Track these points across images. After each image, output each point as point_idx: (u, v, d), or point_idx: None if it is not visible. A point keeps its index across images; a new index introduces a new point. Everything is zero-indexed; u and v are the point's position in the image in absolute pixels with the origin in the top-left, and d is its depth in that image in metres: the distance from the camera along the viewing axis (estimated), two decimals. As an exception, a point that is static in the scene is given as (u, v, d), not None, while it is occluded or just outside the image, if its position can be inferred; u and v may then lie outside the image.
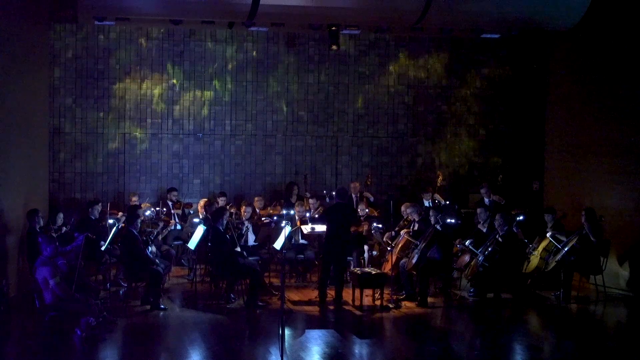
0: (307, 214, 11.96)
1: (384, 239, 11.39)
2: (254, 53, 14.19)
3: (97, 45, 13.68)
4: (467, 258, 11.10)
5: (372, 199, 13.17)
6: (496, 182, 13.34)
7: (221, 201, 12.56)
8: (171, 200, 12.92)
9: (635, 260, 11.49)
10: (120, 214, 11.82)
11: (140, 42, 13.81)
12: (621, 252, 11.63)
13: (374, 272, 10.43)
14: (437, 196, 13.19)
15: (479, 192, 12.90)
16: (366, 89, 14.55)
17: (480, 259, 10.69)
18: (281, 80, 14.29)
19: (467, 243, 10.96)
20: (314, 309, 10.26)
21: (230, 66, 14.11)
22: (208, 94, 14.08)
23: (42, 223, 10.47)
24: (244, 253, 10.64)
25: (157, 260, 10.36)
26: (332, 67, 14.43)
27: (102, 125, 13.75)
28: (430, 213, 10.92)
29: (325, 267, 10.46)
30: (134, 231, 10.15)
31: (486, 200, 12.57)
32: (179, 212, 12.76)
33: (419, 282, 10.53)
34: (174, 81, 13.94)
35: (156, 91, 13.90)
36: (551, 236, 11.16)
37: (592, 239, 10.87)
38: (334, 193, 11.28)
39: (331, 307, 10.33)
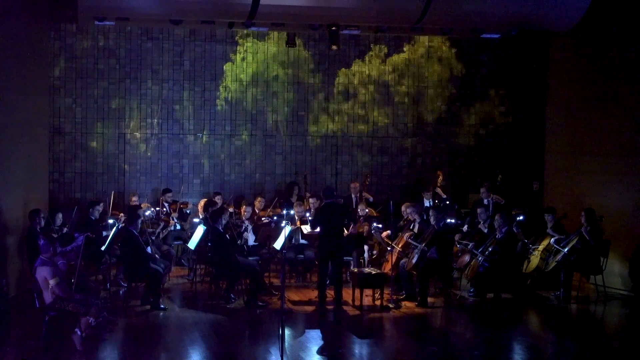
0: (307, 214, 11.96)
1: (383, 236, 11.35)
2: (254, 53, 14.19)
3: (97, 45, 13.68)
4: (467, 258, 11.10)
5: (371, 199, 13.17)
6: (496, 182, 13.34)
7: (217, 200, 12.54)
8: (167, 202, 12.89)
9: (635, 260, 11.49)
10: (122, 215, 11.82)
11: (140, 42, 13.81)
12: (621, 252, 11.63)
13: (374, 272, 10.43)
14: (438, 190, 13.20)
15: (479, 192, 12.89)
16: (366, 89, 14.54)
17: (480, 259, 10.69)
18: (281, 80, 14.29)
19: (469, 247, 10.95)
20: (313, 309, 10.25)
21: (230, 66, 14.11)
22: (208, 93, 14.08)
23: (42, 223, 10.46)
24: (244, 248, 10.65)
25: (157, 261, 10.36)
26: (332, 67, 14.43)
27: (102, 125, 13.75)
28: (431, 212, 10.93)
29: (323, 267, 10.44)
30: (134, 231, 10.15)
31: (485, 200, 12.57)
32: (176, 214, 12.71)
33: (419, 282, 10.53)
34: (174, 82, 13.94)
35: (156, 91, 13.90)
36: (554, 242, 11.14)
37: (590, 240, 10.86)
38: (321, 194, 11.19)
39: (331, 307, 10.32)
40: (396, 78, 14.58)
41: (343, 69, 14.44)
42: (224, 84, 14.09)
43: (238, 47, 14.11)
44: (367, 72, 14.51)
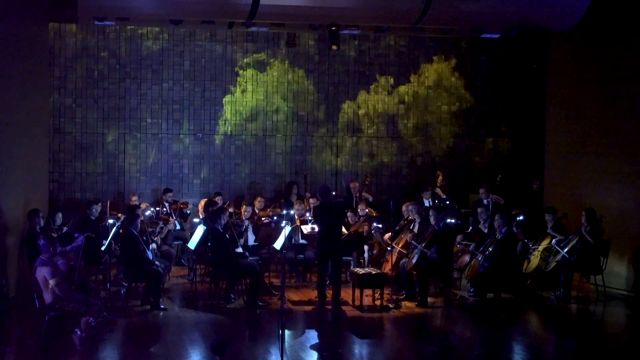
0: (307, 214, 11.96)
1: (385, 238, 11.35)
2: (254, 53, 14.19)
3: (97, 45, 13.68)
4: (467, 258, 11.10)
5: (370, 199, 13.18)
6: (495, 182, 13.34)
7: (217, 200, 12.54)
8: (167, 202, 12.90)
9: (635, 260, 11.49)
10: (121, 215, 11.82)
11: (140, 42, 13.81)
12: (621, 252, 11.63)
13: (374, 272, 10.43)
14: (438, 190, 13.19)
15: (479, 192, 12.89)
16: (366, 89, 14.55)
17: (480, 259, 10.69)
18: (281, 80, 14.30)
19: (470, 247, 10.94)
20: (313, 309, 10.25)
21: (229, 66, 14.11)
22: (208, 93, 14.09)
23: (42, 223, 10.46)
24: (246, 253, 10.64)
25: (156, 262, 10.35)
26: (332, 67, 14.43)
27: (102, 125, 13.75)
28: (431, 212, 10.92)
29: (322, 267, 10.43)
30: (134, 231, 10.15)
31: (485, 200, 12.58)
32: (176, 214, 12.71)
33: (419, 282, 10.53)
34: (174, 82, 13.94)
35: (156, 91, 13.90)
36: (555, 243, 11.14)
37: (590, 240, 10.86)
38: (317, 194, 11.23)
39: (331, 307, 10.31)
40: (397, 78, 14.56)
41: (343, 69, 14.43)
42: (224, 83, 14.08)
43: (238, 47, 14.11)
44: (367, 72, 14.48)
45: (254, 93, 14.17)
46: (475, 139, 14.83)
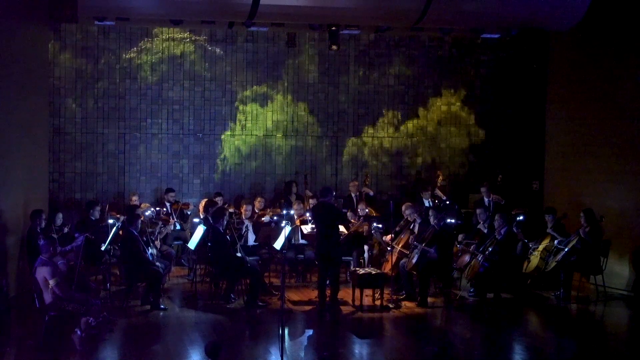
0: (307, 213, 11.94)
1: (387, 240, 11.33)
2: (254, 53, 14.19)
3: (97, 45, 13.68)
4: (467, 258, 11.10)
5: (371, 193, 13.17)
6: (496, 182, 13.35)
7: (218, 201, 12.54)
8: (169, 201, 12.91)
9: (636, 260, 11.49)
10: (120, 217, 11.81)
11: (140, 42, 13.81)
12: (621, 252, 11.63)
13: (374, 272, 10.43)
14: (438, 192, 13.19)
15: (479, 192, 12.90)
16: (366, 89, 14.54)
17: (480, 259, 10.69)
18: (281, 80, 14.29)
19: (471, 248, 10.94)
20: (313, 309, 10.25)
21: (230, 66, 14.11)
22: (208, 93, 14.09)
23: (43, 225, 10.45)
24: (246, 258, 10.60)
25: (157, 263, 10.35)
26: (332, 67, 14.43)
27: (102, 125, 13.75)
28: (430, 213, 10.92)
29: (321, 267, 10.41)
30: (134, 232, 10.15)
31: (486, 200, 12.58)
32: (176, 214, 12.71)
33: (419, 282, 10.53)
34: (174, 81, 13.94)
35: (156, 91, 13.90)
36: (557, 243, 11.14)
37: (589, 240, 10.86)
38: (317, 193, 11.23)
39: (330, 307, 10.31)
40: (396, 78, 14.56)
41: (343, 69, 14.43)
42: (224, 83, 14.08)
43: (238, 47, 14.10)
44: (367, 72, 14.47)
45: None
46: (475, 138, 14.82)
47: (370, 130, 14.55)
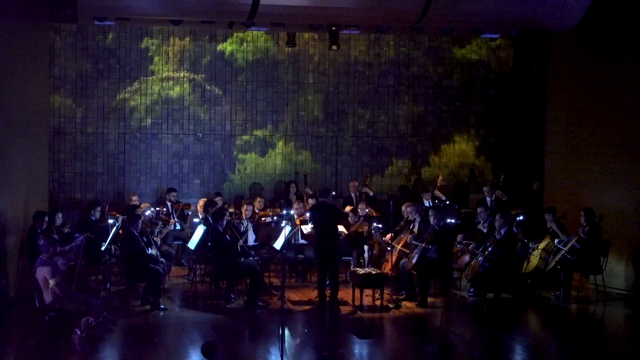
0: (307, 213, 11.93)
1: (387, 239, 11.33)
2: (254, 53, 14.19)
3: (97, 45, 13.68)
4: (467, 258, 11.09)
5: (371, 194, 13.17)
6: (498, 182, 13.33)
7: (218, 201, 12.54)
8: (170, 201, 12.92)
9: (635, 260, 11.49)
10: (120, 217, 11.81)
11: (140, 42, 13.81)
12: (621, 252, 11.63)
13: (374, 272, 10.42)
14: (437, 193, 13.19)
15: (479, 192, 12.91)
16: (366, 89, 14.54)
17: (480, 259, 10.69)
18: (281, 80, 14.29)
19: (470, 247, 10.94)
20: (313, 309, 10.25)
21: (229, 66, 14.11)
22: (208, 93, 14.09)
23: (44, 226, 10.45)
24: (248, 250, 10.63)
25: (160, 259, 10.35)
26: (332, 67, 14.43)
27: (102, 125, 13.75)
28: (430, 213, 10.92)
29: (321, 267, 10.41)
30: (134, 232, 10.15)
31: (488, 199, 12.58)
32: (177, 214, 12.72)
33: (419, 282, 10.53)
34: (175, 81, 13.94)
35: (156, 91, 13.90)
36: (557, 243, 11.14)
37: (589, 240, 10.85)
38: (317, 193, 11.23)
39: (330, 307, 10.32)
40: (396, 78, 14.56)
41: (343, 69, 14.41)
42: (224, 83, 14.06)
43: (238, 47, 14.09)
44: (367, 72, 14.46)
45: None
46: (476, 139, 14.82)
47: (370, 130, 14.55)
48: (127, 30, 13.72)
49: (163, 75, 13.91)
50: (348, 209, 12.17)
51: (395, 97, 14.61)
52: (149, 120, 13.90)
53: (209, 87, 14.05)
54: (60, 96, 13.57)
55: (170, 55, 13.93)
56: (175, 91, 13.96)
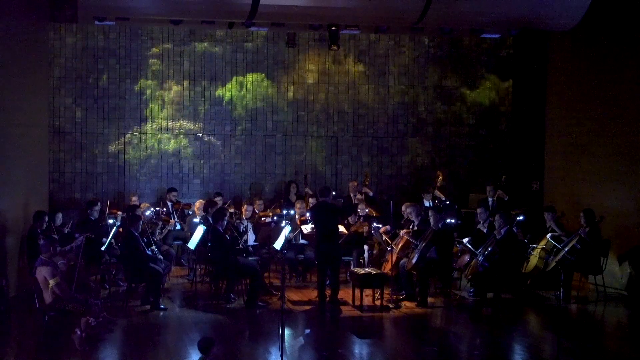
0: (308, 213, 11.93)
1: (381, 232, 11.31)
2: (254, 53, 14.19)
3: (97, 45, 13.69)
4: (467, 258, 11.09)
5: (371, 193, 13.17)
6: (499, 182, 13.35)
7: (218, 201, 12.54)
8: (170, 201, 12.93)
9: (635, 260, 11.49)
10: (120, 213, 11.82)
11: (140, 42, 13.81)
12: (621, 252, 11.63)
13: (374, 272, 10.42)
14: (437, 193, 13.18)
15: (479, 192, 12.91)
16: (366, 89, 14.55)
17: (480, 259, 10.68)
18: (281, 80, 14.30)
19: (465, 241, 10.94)
20: (313, 309, 10.25)
21: (230, 66, 14.12)
22: (208, 93, 14.09)
23: (44, 227, 10.45)
24: (249, 249, 10.63)
25: (160, 258, 10.35)
26: (332, 67, 14.43)
27: (102, 125, 13.76)
28: (430, 213, 10.91)
29: (321, 267, 10.41)
30: (134, 232, 10.15)
31: (490, 199, 12.59)
32: (177, 214, 12.73)
33: (419, 282, 10.53)
34: (174, 81, 13.94)
35: (156, 91, 13.91)
36: (550, 237, 11.14)
37: (589, 240, 10.85)
38: (317, 193, 11.23)
39: (330, 307, 10.31)
40: (396, 78, 14.56)
41: (343, 69, 14.41)
42: (224, 83, 14.06)
43: (238, 47, 14.09)
44: (367, 72, 14.47)
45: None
46: (476, 138, 14.82)
47: (370, 130, 14.55)
48: (127, 30, 13.72)
49: (164, 76, 13.90)
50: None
51: (395, 96, 14.60)
52: (149, 120, 13.90)
53: (208, 86, 14.04)
54: (60, 96, 13.57)
55: (170, 55, 13.92)
56: (176, 90, 13.94)
